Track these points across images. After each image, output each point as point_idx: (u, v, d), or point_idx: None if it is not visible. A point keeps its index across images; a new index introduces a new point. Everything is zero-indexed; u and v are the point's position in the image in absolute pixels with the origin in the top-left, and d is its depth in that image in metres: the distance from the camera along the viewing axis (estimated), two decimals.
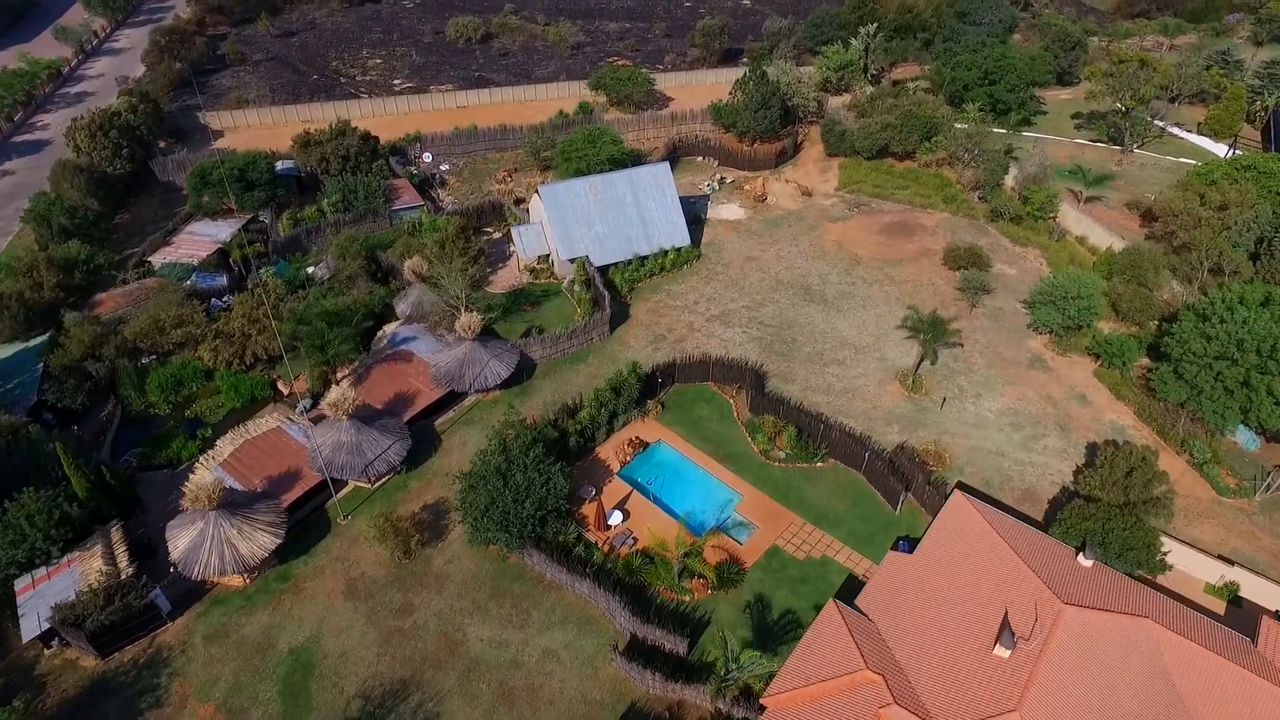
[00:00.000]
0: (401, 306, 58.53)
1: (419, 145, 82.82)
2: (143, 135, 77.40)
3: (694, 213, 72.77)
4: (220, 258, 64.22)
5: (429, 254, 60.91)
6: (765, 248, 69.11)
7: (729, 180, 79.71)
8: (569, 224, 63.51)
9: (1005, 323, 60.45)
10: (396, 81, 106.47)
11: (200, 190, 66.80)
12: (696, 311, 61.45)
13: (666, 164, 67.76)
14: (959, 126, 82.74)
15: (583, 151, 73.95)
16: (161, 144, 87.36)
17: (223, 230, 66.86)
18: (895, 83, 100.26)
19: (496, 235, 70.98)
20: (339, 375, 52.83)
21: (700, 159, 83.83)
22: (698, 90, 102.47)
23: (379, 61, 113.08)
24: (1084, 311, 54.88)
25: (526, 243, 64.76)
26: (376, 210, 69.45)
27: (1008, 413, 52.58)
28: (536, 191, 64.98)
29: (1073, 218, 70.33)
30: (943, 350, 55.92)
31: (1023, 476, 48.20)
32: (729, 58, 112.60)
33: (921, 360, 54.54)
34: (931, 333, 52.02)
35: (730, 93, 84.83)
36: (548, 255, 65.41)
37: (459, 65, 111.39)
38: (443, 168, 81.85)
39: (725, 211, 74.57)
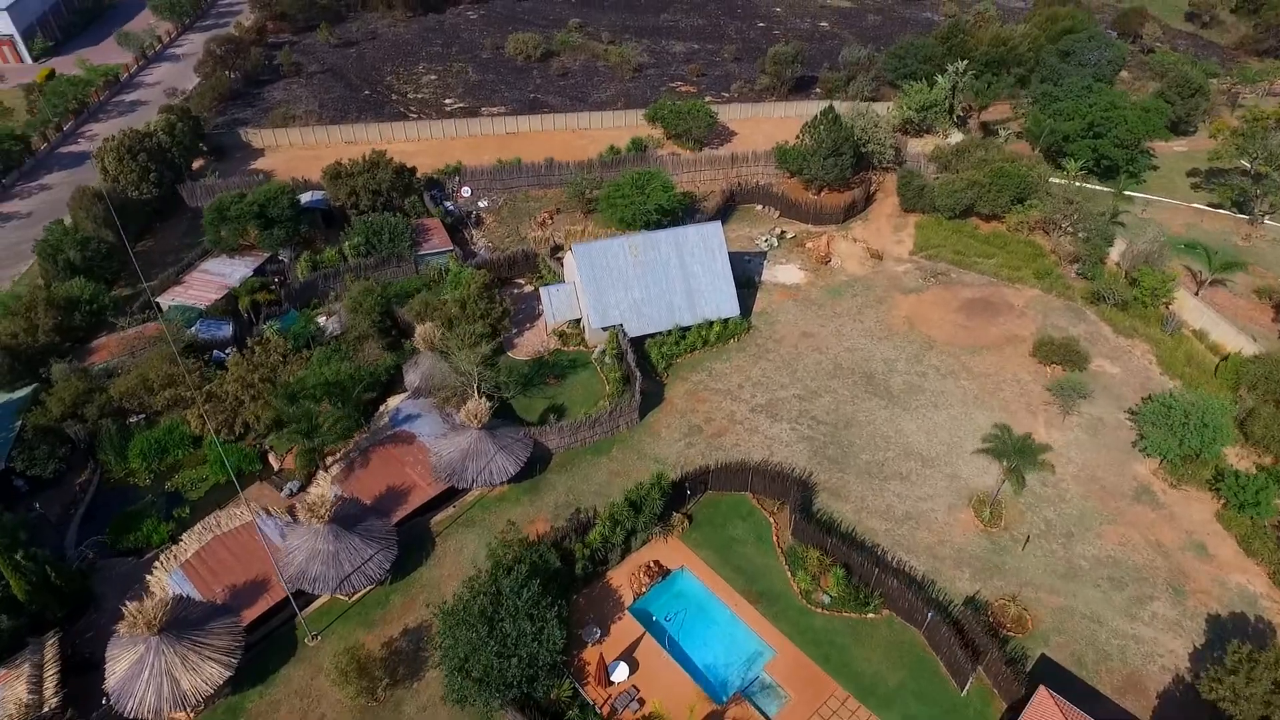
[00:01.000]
0: (410, 376, 52.45)
1: (458, 178, 77.04)
2: (174, 158, 73.57)
3: (747, 274, 64.94)
4: (229, 302, 59.34)
5: (448, 313, 54.89)
6: (825, 322, 60.80)
7: (790, 235, 71.46)
8: (604, 288, 56.50)
9: (1105, 438, 50.95)
10: (448, 101, 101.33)
11: (217, 225, 62.16)
12: (740, 398, 53.70)
13: (718, 224, 60.06)
14: (1055, 181, 72.99)
15: (630, 198, 66.91)
16: (199, 163, 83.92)
17: (237, 271, 62.05)
18: (984, 127, 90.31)
19: (528, 288, 64.47)
20: (329, 460, 46.92)
21: (760, 208, 75.78)
22: (765, 124, 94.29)
23: (433, 78, 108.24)
24: (1209, 443, 45.22)
25: (556, 305, 58.01)
26: (401, 255, 63.74)
27: (1106, 562, 43.38)
28: (569, 249, 58.20)
29: (1191, 306, 60.01)
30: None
31: (1124, 655, 39.11)
32: (801, 86, 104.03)
33: (1002, 485, 45.73)
34: (1019, 460, 43.20)
35: (798, 135, 76.58)
36: (579, 320, 58.56)
37: (515, 85, 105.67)
38: (481, 204, 75.87)
39: (783, 274, 66.44)
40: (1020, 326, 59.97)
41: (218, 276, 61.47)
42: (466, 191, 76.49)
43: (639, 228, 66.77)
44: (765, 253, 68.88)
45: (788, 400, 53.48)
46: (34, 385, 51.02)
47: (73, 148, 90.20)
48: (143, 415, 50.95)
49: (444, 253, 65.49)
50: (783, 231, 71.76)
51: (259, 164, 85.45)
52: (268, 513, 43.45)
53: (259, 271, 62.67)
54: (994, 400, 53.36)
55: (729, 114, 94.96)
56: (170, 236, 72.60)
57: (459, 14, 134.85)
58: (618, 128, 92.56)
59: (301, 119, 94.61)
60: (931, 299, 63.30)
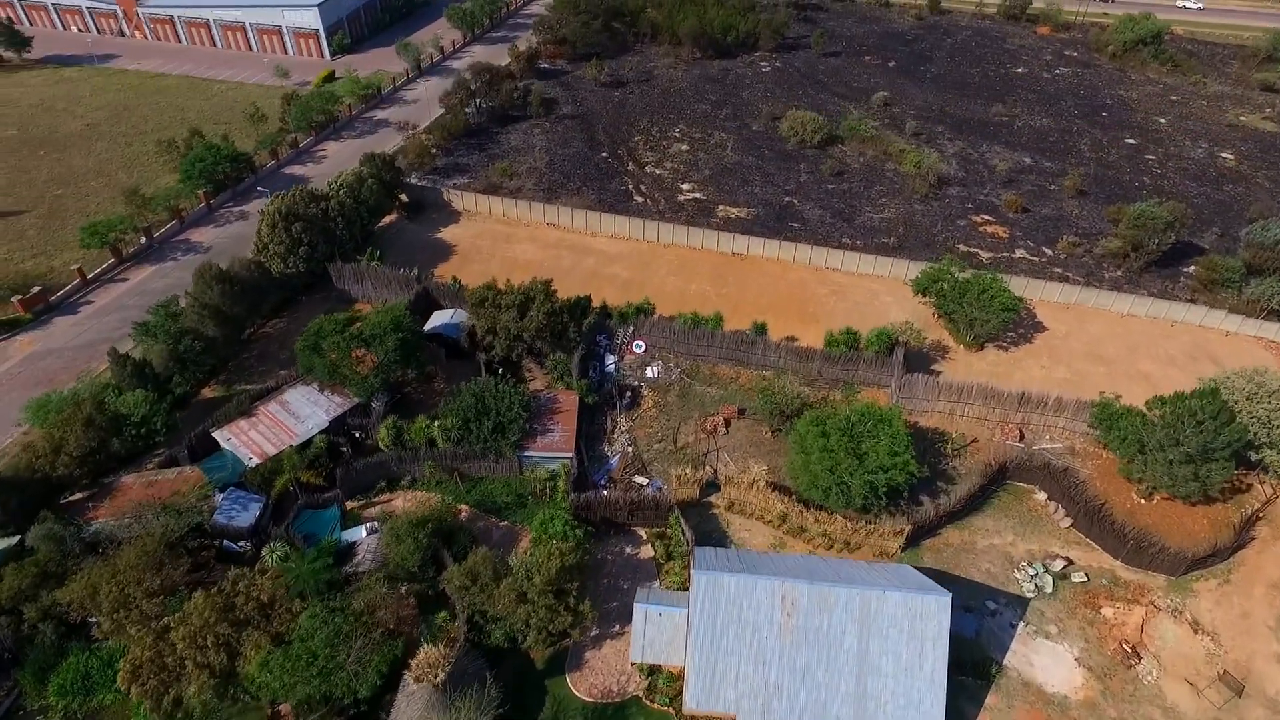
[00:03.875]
0: (400, 705, 35.20)
1: (633, 328, 58.34)
2: (336, 229, 63.01)
3: (978, 647, 39.23)
4: (276, 467, 46.35)
5: (498, 602, 36.94)
6: None
7: (1078, 577, 43.56)
8: (721, 651, 34.91)
9: None
10: (686, 187, 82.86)
11: (310, 355, 49.52)
12: None
13: (947, 600, 35.20)
14: None
15: (834, 452, 43.72)
16: (391, 217, 74.10)
17: (314, 417, 48.95)
18: None
19: (644, 551, 44.44)
20: None
21: (1041, 498, 48.20)
22: (1094, 321, 64.23)
23: (685, 148, 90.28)
24: None
25: (650, 637, 37.30)
26: (501, 452, 46.78)
27: None
28: (692, 556, 37.18)
29: None
30: None
31: None
32: (1169, 259, 71.26)
33: None
34: None
35: (1148, 406, 47.63)
36: (681, 669, 37.51)
37: (774, 177, 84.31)
38: (649, 373, 56.57)
39: (1044, 662, 39.53)
40: None
41: (290, 419, 48.85)
42: (639, 347, 57.65)
43: (835, 500, 43.69)
44: (1027, 600, 42.14)
45: None
46: (14, 540, 41.28)
47: (296, 169, 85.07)
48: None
49: (559, 459, 47.49)
50: (1067, 563, 44.01)
51: (445, 232, 73.59)
52: None
53: (337, 424, 49.12)
54: None
55: (1042, 291, 66.06)
56: (307, 317, 62.33)
57: (750, 63, 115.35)
58: (878, 278, 68.11)
59: (520, 178, 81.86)
60: None
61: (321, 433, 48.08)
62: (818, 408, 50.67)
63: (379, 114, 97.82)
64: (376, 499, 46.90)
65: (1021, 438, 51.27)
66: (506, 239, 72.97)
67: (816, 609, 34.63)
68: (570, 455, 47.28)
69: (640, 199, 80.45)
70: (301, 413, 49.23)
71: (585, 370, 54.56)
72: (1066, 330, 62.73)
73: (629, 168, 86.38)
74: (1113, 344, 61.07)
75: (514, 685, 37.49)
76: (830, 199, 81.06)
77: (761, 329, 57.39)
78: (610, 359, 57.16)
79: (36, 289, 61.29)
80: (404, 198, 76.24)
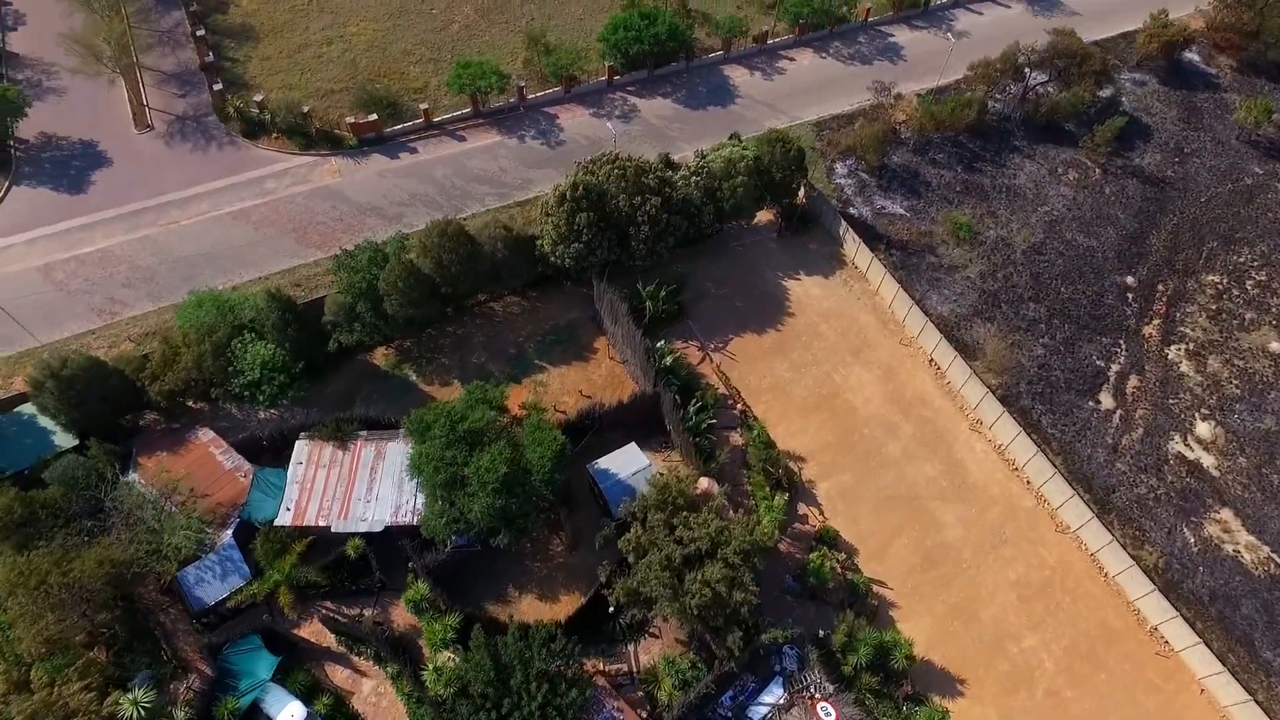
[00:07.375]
0: None
1: (833, 691, 33.68)
2: (636, 235, 44.30)
3: None
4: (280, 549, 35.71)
5: None
6: None
7: None
8: None
9: None
10: (1203, 428, 46.50)
11: (415, 434, 35.66)
12: None
13: None
14: None
15: None
16: (765, 216, 52.70)
17: (381, 507, 36.43)
18: None
19: None
20: None
21: None
22: None
23: (1275, 345, 50.29)
24: None
25: None
26: None
27: None
28: None
29: None
30: None
31: None
32: None
33: None
34: None
35: None
36: None
37: None
38: None
39: None
40: None
41: (362, 485, 37.09)
42: (828, 713, 33.74)
43: None
44: None
45: None
46: (74, 443, 37.65)
47: (738, 72, 64.09)
48: None
49: None
50: None
51: (800, 283, 50.95)
52: None
53: (396, 533, 36.31)
54: None
55: None
56: (555, 310, 47.66)
57: None
58: None
59: (973, 247, 52.82)
60: None
61: (368, 535, 35.96)
62: None
63: (900, 35, 69.19)
64: (357, 655, 34.91)
65: None
66: (858, 346, 48.17)
67: None
68: None
69: (1108, 404, 47.15)
70: (379, 489, 37.19)
71: (714, 699, 33.47)
72: None
73: (1145, 325, 50.96)
74: None
75: None
76: None
77: None
78: (776, 694, 34.58)
79: (372, 117, 54.54)
80: (801, 198, 53.35)
